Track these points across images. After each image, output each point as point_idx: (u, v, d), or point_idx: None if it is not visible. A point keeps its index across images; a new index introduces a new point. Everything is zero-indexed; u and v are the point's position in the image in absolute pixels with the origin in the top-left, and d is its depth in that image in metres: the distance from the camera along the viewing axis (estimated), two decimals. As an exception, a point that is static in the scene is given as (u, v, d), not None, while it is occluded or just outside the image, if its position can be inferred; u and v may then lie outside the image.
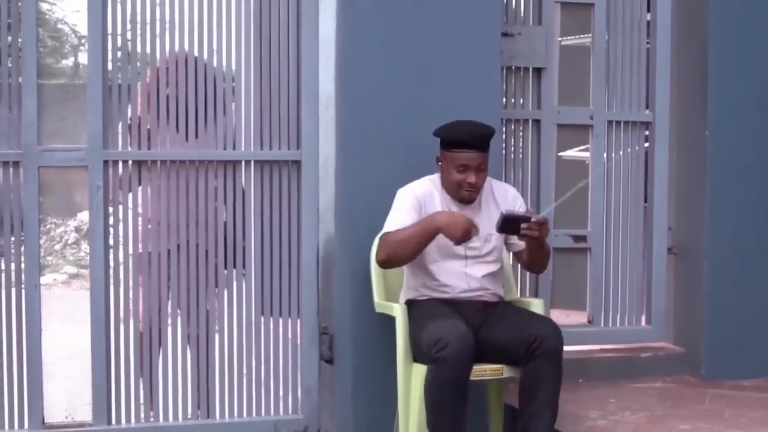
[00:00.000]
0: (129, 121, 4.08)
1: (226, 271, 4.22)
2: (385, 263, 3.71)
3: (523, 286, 4.66)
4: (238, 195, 4.21)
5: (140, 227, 4.16)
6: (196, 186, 4.17)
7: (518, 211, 3.78)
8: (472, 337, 3.48)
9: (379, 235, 3.75)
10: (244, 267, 4.23)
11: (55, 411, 4.32)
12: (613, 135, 4.87)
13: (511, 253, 4.01)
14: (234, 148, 4.20)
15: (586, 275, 4.91)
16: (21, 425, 4.02)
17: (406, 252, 3.65)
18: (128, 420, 4.11)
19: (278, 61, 4.23)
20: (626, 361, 4.77)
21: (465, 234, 3.55)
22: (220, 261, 4.21)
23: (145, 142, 4.09)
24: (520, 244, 3.82)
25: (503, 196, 3.88)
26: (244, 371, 4.24)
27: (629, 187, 4.90)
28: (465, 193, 3.73)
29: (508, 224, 3.58)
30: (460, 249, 3.73)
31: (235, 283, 4.23)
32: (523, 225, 3.55)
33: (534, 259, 3.82)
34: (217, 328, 4.23)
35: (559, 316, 4.59)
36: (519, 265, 4.29)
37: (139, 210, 4.16)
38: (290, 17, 4.23)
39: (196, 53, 4.14)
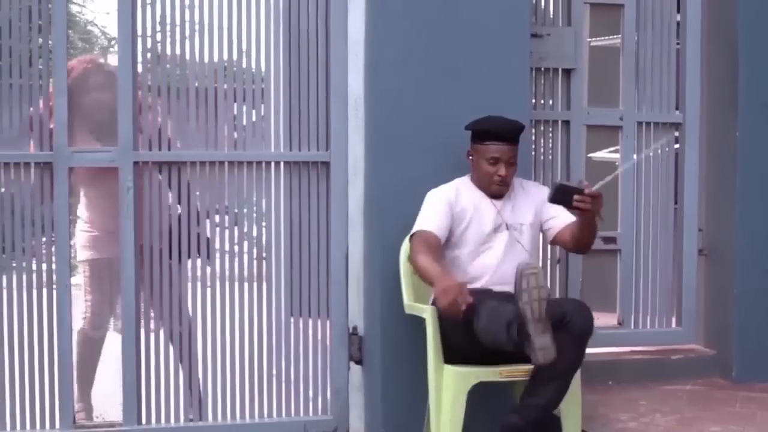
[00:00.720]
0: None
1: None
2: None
3: (552, 287, 4.64)
4: (269, 195, 4.23)
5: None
6: (223, 186, 4.19)
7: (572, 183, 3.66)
8: None
9: (410, 234, 3.73)
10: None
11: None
12: (643, 136, 4.86)
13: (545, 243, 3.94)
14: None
15: (616, 277, 4.89)
16: (52, 425, 4.05)
17: (419, 275, 3.64)
18: (158, 420, 4.13)
19: (307, 61, 4.23)
20: (656, 364, 4.75)
21: (452, 304, 3.32)
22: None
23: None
24: (557, 226, 3.78)
25: (536, 189, 3.87)
26: (274, 372, 4.24)
27: (659, 189, 4.89)
28: (495, 187, 3.75)
29: (561, 194, 3.47)
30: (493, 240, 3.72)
31: (265, 284, 4.24)
32: (576, 197, 3.45)
33: (582, 236, 3.69)
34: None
35: (588, 318, 4.58)
36: (549, 266, 4.26)
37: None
38: (319, 18, 4.23)
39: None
